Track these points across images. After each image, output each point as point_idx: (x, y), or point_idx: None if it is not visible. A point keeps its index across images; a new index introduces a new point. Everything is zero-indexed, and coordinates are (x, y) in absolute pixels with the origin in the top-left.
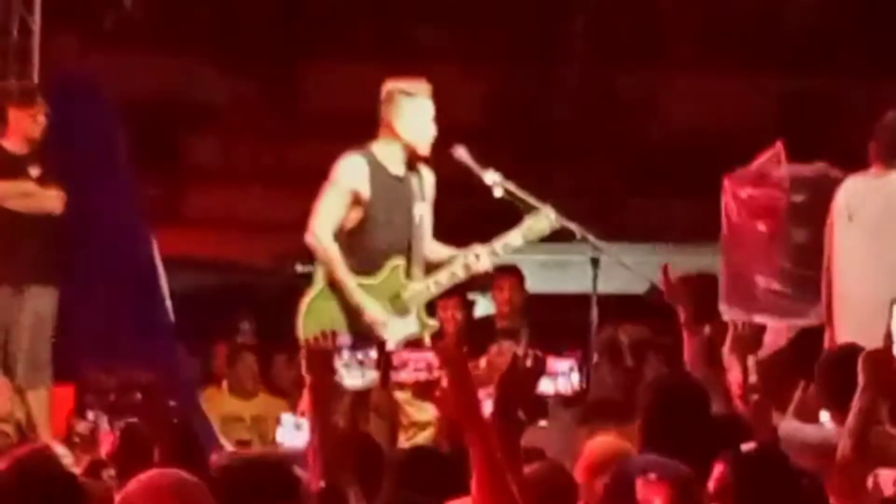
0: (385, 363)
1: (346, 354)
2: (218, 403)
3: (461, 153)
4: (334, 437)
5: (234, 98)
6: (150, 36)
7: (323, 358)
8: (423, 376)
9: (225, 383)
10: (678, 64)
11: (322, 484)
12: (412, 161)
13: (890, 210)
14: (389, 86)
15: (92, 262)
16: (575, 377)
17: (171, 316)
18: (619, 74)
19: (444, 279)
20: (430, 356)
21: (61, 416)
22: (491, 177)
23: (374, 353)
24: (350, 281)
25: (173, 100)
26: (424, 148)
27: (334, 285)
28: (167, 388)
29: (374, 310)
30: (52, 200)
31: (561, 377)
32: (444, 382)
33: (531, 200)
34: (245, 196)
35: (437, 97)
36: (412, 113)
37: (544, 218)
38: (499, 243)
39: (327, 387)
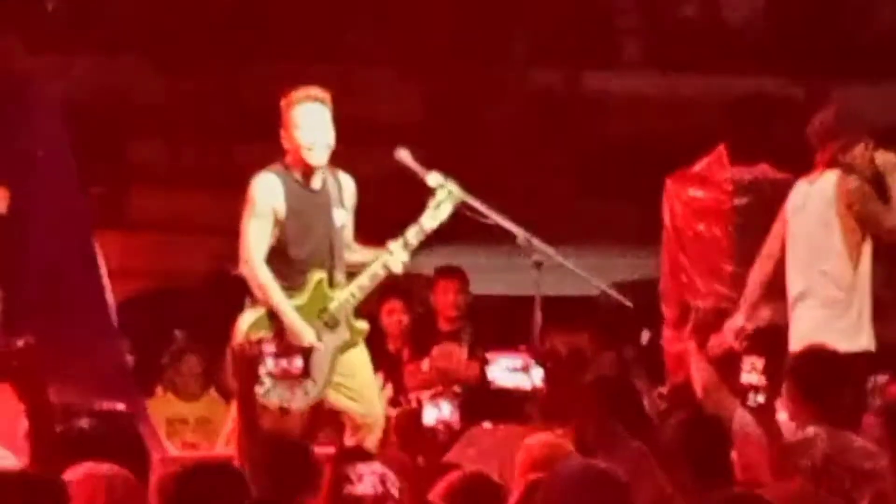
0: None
1: (270, 363)
2: (162, 406)
3: (403, 156)
4: (258, 441)
5: (176, 98)
6: (85, 36)
7: (248, 365)
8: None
9: (165, 386)
10: (622, 65)
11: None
12: (306, 171)
13: (822, 211)
14: (286, 98)
15: (33, 263)
16: (537, 373)
17: (115, 317)
18: (564, 75)
19: (366, 282)
20: (380, 468)
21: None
22: (434, 179)
23: (298, 362)
24: (287, 307)
25: (114, 100)
26: (319, 156)
27: (271, 311)
28: (114, 391)
29: (310, 336)
30: None
31: (521, 373)
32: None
33: (448, 189)
34: (189, 197)
35: (380, 98)
36: (303, 119)
37: (447, 194)
38: (410, 233)
39: (253, 393)
